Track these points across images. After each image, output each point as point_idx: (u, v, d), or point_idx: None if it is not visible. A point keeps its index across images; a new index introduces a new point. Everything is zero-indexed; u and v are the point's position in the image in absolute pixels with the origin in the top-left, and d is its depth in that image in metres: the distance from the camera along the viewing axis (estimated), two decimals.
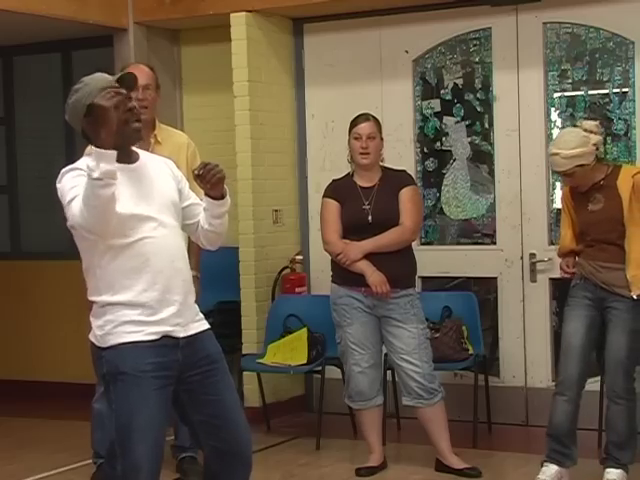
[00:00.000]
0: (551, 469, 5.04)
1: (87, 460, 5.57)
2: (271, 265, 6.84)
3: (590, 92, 6.34)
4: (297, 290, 6.85)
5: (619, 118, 6.25)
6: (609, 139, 6.25)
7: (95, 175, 3.30)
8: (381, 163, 5.59)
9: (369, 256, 5.40)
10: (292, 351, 6.23)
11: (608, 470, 5.01)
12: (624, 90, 6.24)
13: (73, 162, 3.67)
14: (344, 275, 5.49)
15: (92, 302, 3.61)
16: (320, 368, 6.18)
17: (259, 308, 6.75)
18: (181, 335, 3.57)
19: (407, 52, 6.74)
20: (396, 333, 5.45)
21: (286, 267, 6.92)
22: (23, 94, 8.10)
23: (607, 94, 6.30)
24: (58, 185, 3.59)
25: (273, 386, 6.73)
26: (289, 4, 6.65)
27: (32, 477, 5.66)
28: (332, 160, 6.74)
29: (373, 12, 6.76)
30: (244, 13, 6.70)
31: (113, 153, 3.34)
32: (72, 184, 3.50)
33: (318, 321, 6.23)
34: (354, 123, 5.54)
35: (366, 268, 5.37)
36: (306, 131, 7.08)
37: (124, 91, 3.52)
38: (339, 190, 5.56)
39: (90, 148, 3.64)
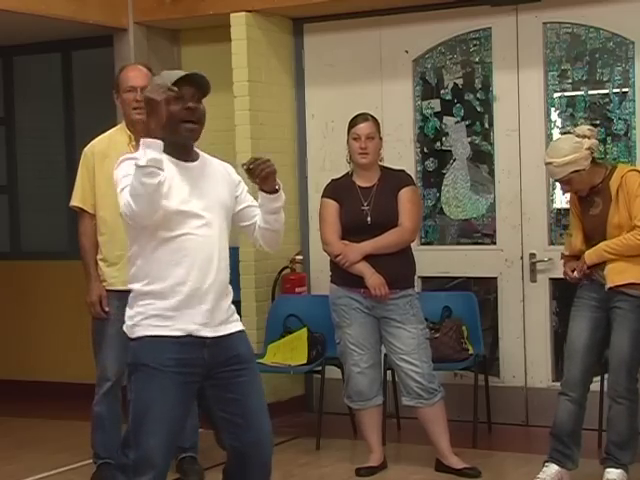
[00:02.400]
0: (551, 469, 5.04)
1: (87, 460, 5.56)
2: (271, 265, 6.84)
3: (590, 92, 6.34)
4: (297, 290, 6.86)
5: (619, 118, 6.25)
6: (609, 139, 6.26)
7: (141, 163, 3.38)
8: (380, 163, 5.59)
9: (368, 257, 5.40)
10: (292, 351, 6.24)
11: (608, 470, 5.01)
12: (624, 90, 6.24)
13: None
14: (343, 276, 5.49)
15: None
16: (320, 368, 6.19)
17: (259, 308, 6.75)
18: (208, 335, 3.61)
19: (407, 52, 6.75)
20: (395, 334, 5.45)
21: (286, 267, 6.92)
22: (23, 94, 8.10)
23: (607, 94, 6.30)
24: (115, 172, 3.65)
25: (273, 386, 6.72)
26: (289, 4, 6.65)
27: (32, 477, 5.66)
28: (332, 160, 6.74)
29: (373, 12, 6.76)
30: (244, 13, 6.70)
31: (160, 143, 3.42)
32: (125, 172, 3.55)
33: (318, 321, 6.23)
34: (353, 123, 5.53)
35: (365, 270, 5.37)
36: (306, 131, 7.08)
37: (175, 89, 3.55)
38: (338, 190, 5.56)
39: None
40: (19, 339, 7.94)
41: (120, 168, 3.61)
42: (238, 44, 6.72)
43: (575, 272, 5.06)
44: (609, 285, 4.94)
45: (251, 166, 3.63)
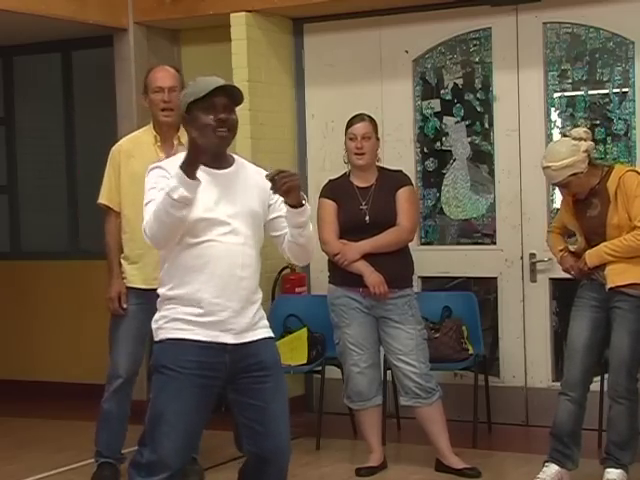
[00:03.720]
0: (551, 469, 5.05)
1: (87, 460, 5.57)
2: (271, 265, 6.83)
3: (590, 92, 6.34)
4: (297, 290, 6.86)
5: (619, 118, 6.25)
6: (609, 139, 6.26)
7: (173, 195, 3.38)
8: (378, 163, 5.60)
9: (367, 257, 5.40)
10: (292, 351, 6.23)
11: (608, 470, 5.01)
12: (624, 90, 6.24)
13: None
14: (342, 275, 5.50)
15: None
16: (320, 368, 6.19)
17: None
18: (230, 341, 3.61)
19: (407, 52, 6.75)
20: (394, 334, 5.46)
21: (286, 267, 6.91)
22: (23, 94, 8.09)
23: (607, 94, 6.30)
24: (145, 179, 3.66)
25: None
26: (289, 4, 6.65)
27: (32, 477, 5.66)
28: (332, 160, 6.73)
29: (373, 12, 6.76)
30: (244, 13, 6.70)
31: (197, 184, 3.41)
32: (152, 184, 3.57)
33: (318, 321, 6.23)
34: (349, 124, 5.55)
35: (364, 269, 5.38)
36: (306, 131, 7.08)
37: (225, 130, 3.58)
38: (336, 190, 5.56)
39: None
40: (19, 339, 7.94)
41: (149, 178, 3.62)
42: (238, 44, 6.72)
43: (573, 272, 5.07)
44: (610, 285, 4.94)
45: (276, 177, 3.57)
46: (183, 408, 3.56)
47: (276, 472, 3.72)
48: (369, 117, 5.58)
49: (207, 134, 3.55)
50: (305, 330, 6.29)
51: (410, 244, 5.63)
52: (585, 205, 5.05)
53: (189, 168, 3.41)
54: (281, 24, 6.98)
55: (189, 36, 7.34)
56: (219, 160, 3.67)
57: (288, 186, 3.58)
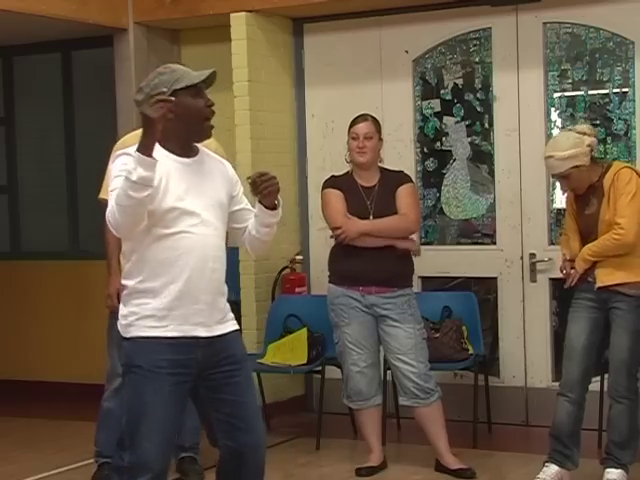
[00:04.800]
0: (551, 469, 5.04)
1: (87, 460, 5.57)
2: (271, 265, 6.84)
3: (590, 92, 6.34)
4: (297, 290, 6.86)
5: (619, 118, 6.25)
6: (609, 139, 6.26)
7: (132, 177, 3.33)
8: (380, 164, 5.61)
9: (368, 254, 5.40)
10: (292, 351, 6.23)
11: (608, 470, 5.01)
12: (624, 90, 6.24)
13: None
14: (342, 275, 5.51)
15: (123, 287, 3.65)
16: (320, 368, 6.18)
17: (259, 308, 6.75)
18: (203, 335, 3.59)
19: (407, 52, 6.74)
20: (393, 333, 5.46)
21: (286, 267, 6.92)
22: (23, 94, 8.09)
23: (607, 94, 6.30)
24: (111, 165, 3.63)
25: (273, 386, 6.73)
26: (289, 4, 6.65)
27: (32, 477, 5.66)
28: (332, 160, 6.73)
29: (373, 12, 6.76)
30: (244, 13, 6.70)
31: (154, 161, 3.36)
32: (118, 172, 3.50)
33: (318, 321, 6.22)
34: (352, 123, 5.58)
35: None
36: (306, 131, 7.08)
37: (172, 99, 3.50)
38: (340, 184, 5.57)
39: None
40: (19, 339, 7.94)
41: (115, 164, 3.56)
42: (238, 44, 6.71)
43: (569, 281, 5.07)
44: (598, 285, 4.95)
45: (256, 180, 3.60)
46: (161, 409, 3.52)
47: (255, 467, 3.70)
48: (372, 117, 5.60)
49: (199, 123, 3.59)
50: (305, 330, 6.29)
51: None
52: (584, 203, 5.05)
53: (144, 145, 3.35)
54: (281, 24, 6.98)
55: (189, 36, 7.34)
56: (190, 148, 3.66)
57: (270, 190, 3.62)
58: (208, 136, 3.70)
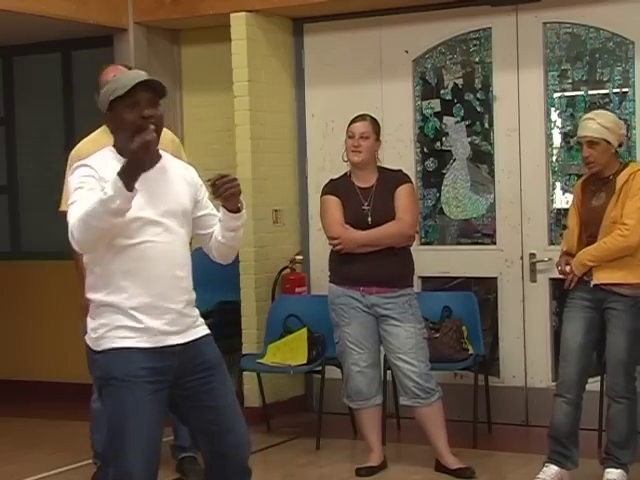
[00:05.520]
0: (551, 469, 5.05)
1: (87, 460, 5.56)
2: (271, 265, 6.84)
3: (590, 92, 6.34)
4: (297, 290, 6.86)
5: (619, 118, 6.23)
6: None
7: (111, 206, 3.23)
8: (378, 164, 5.61)
9: (368, 254, 5.41)
10: (292, 351, 6.23)
11: (608, 470, 5.01)
12: (624, 90, 6.24)
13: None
14: (342, 275, 5.51)
15: (88, 301, 3.57)
16: (320, 368, 6.18)
17: (259, 308, 6.75)
18: (177, 342, 3.52)
19: (407, 52, 6.74)
20: (393, 332, 5.46)
21: (286, 267, 6.92)
22: (23, 94, 8.09)
23: (607, 94, 6.30)
24: (68, 179, 3.53)
25: (273, 386, 6.73)
26: (289, 4, 6.65)
27: (32, 477, 5.66)
28: (332, 160, 6.72)
29: (373, 12, 6.76)
30: (244, 13, 6.70)
31: (133, 195, 3.26)
32: (78, 184, 3.43)
33: (318, 321, 6.22)
34: (350, 122, 5.59)
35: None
36: (306, 131, 7.08)
37: (152, 127, 3.39)
38: (338, 189, 5.58)
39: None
40: (19, 339, 7.94)
41: (73, 177, 3.47)
42: (238, 44, 6.71)
43: (567, 283, 5.07)
44: (594, 282, 4.95)
45: (216, 182, 3.49)
46: (143, 419, 3.44)
47: (238, 467, 3.65)
48: (371, 118, 5.60)
49: (131, 135, 3.36)
50: (305, 330, 6.29)
51: None
52: (592, 193, 5.06)
53: (130, 182, 3.23)
54: (281, 24, 6.98)
55: (189, 36, 7.34)
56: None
57: (230, 192, 3.53)
58: (151, 151, 3.40)
